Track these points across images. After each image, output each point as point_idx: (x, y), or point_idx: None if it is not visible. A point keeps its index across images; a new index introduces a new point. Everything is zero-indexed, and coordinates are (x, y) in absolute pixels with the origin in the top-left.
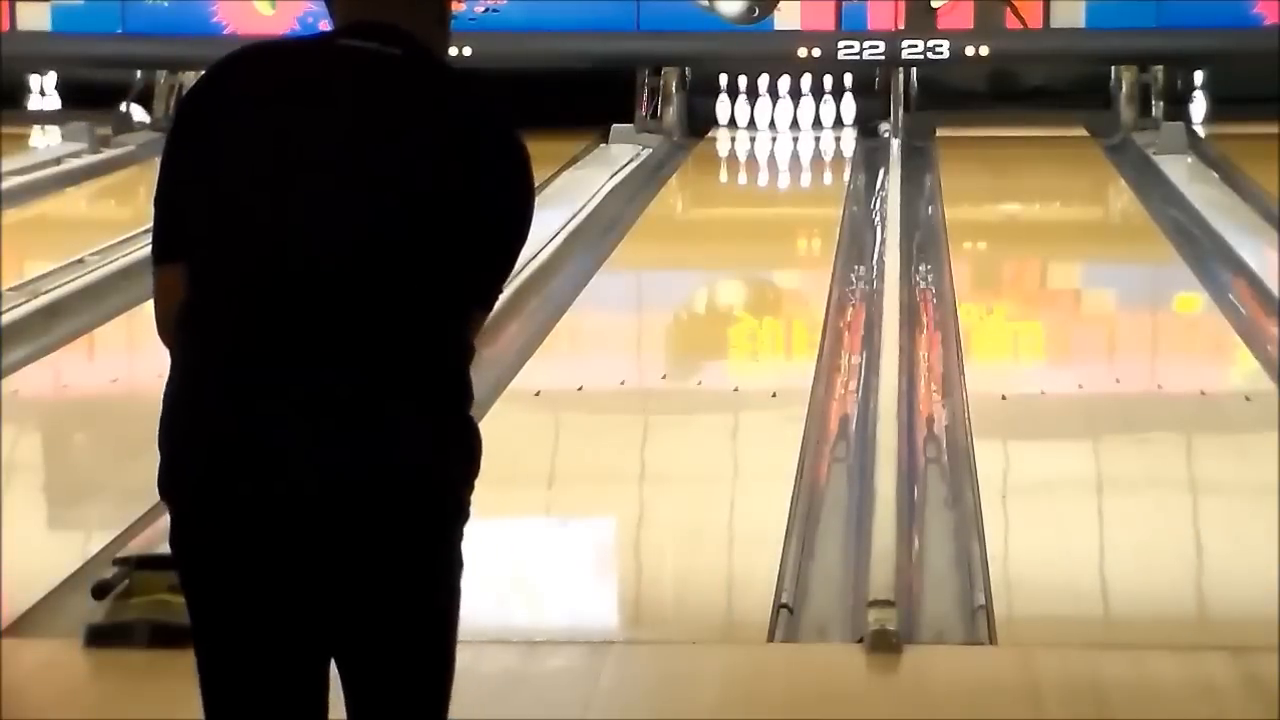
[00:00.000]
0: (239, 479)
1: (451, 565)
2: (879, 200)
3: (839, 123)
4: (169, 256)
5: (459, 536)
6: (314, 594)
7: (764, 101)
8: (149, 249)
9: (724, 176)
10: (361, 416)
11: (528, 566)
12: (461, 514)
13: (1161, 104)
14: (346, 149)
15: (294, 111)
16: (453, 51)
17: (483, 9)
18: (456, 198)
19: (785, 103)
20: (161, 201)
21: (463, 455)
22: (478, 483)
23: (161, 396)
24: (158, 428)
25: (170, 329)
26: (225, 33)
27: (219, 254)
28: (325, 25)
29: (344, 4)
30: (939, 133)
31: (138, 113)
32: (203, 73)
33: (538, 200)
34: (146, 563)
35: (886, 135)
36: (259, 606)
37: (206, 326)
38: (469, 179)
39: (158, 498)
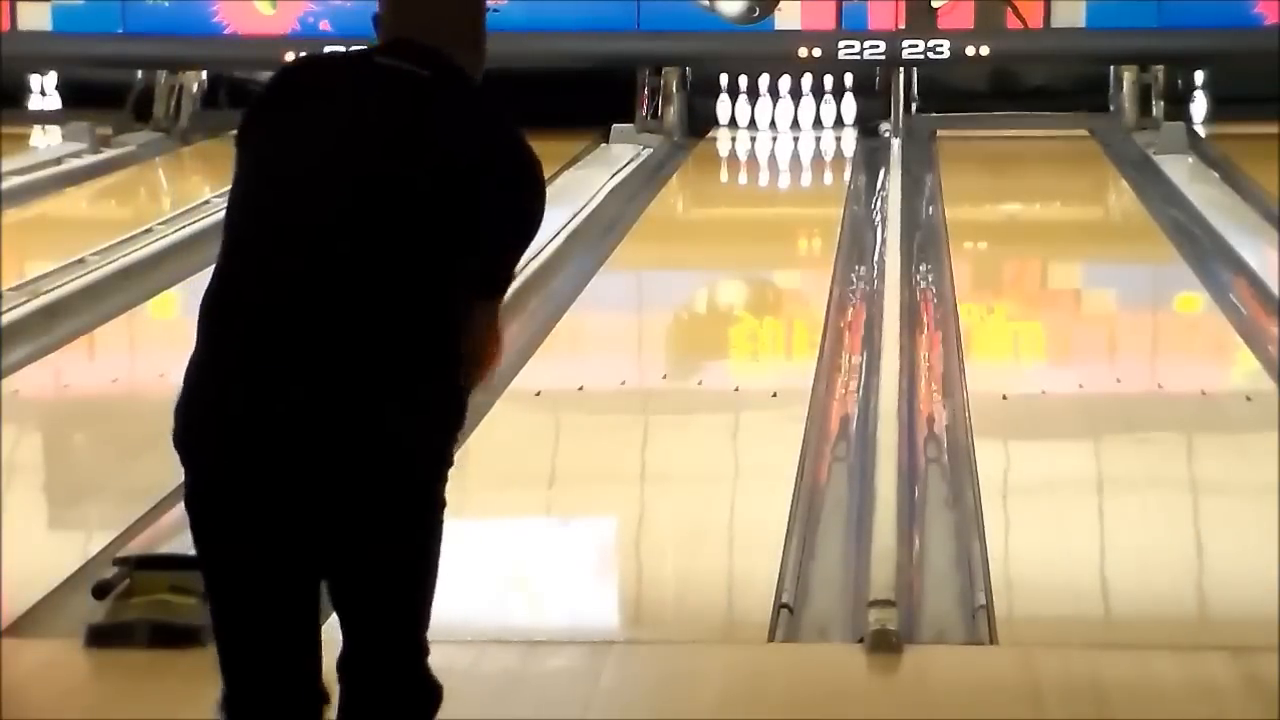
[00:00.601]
0: (250, 447)
1: (431, 505)
2: (879, 200)
3: (839, 123)
4: None
5: (441, 480)
6: (306, 534)
7: (764, 101)
8: (149, 249)
9: (724, 176)
10: (360, 401)
11: (528, 566)
12: (443, 463)
13: (1162, 104)
14: (362, 158)
15: (319, 124)
16: None
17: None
18: (462, 203)
19: (785, 103)
20: None
21: (446, 418)
22: (478, 483)
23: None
24: (178, 397)
25: None
26: (225, 33)
27: (238, 254)
28: (326, 25)
29: (386, 25)
30: (939, 133)
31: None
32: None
33: None
34: (146, 563)
35: (887, 135)
36: (257, 547)
37: (222, 319)
38: (474, 186)
39: (158, 498)
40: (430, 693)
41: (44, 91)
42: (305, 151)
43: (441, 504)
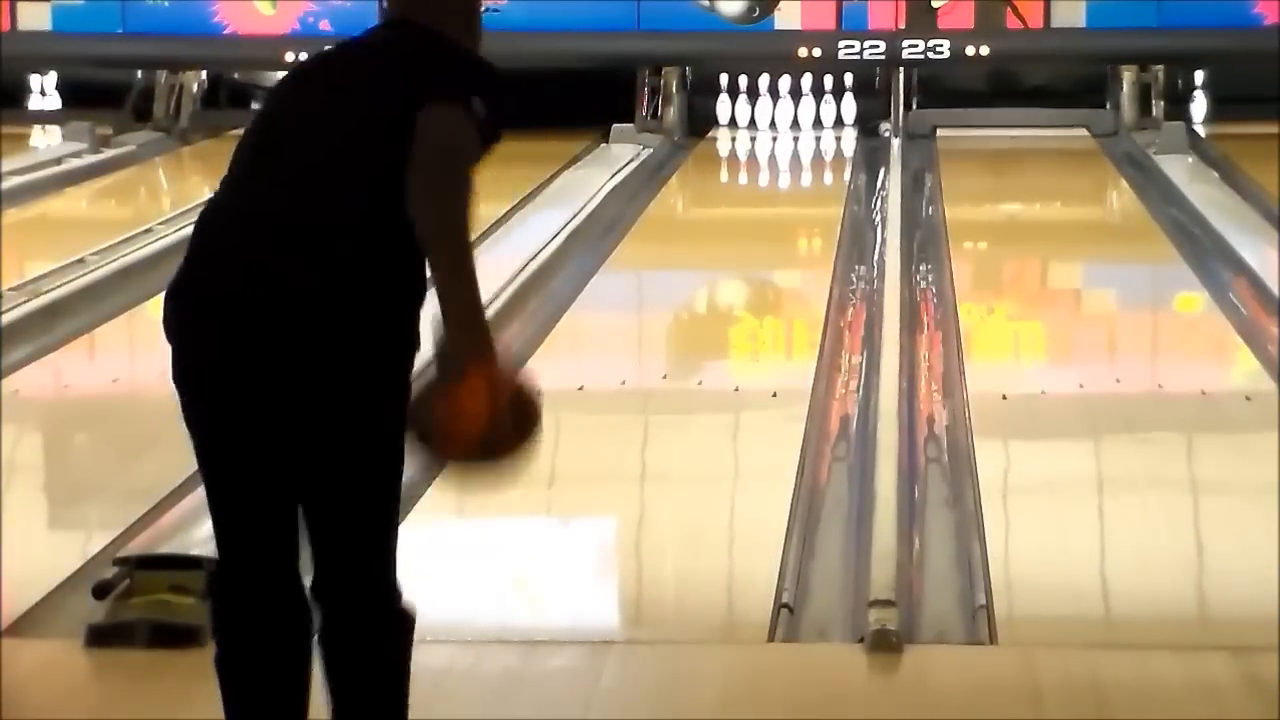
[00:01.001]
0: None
1: (382, 415)
2: (879, 200)
3: (839, 122)
4: None
5: (397, 405)
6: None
7: (764, 101)
8: (149, 249)
9: (724, 176)
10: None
11: (528, 566)
12: (397, 389)
13: (1162, 104)
14: (318, 96)
15: (306, 84)
16: None
17: (483, 9)
18: (392, 106)
19: (785, 102)
20: None
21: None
22: None
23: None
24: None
25: None
26: (225, 33)
27: (231, 173)
28: (326, 25)
29: (387, 7)
30: (939, 133)
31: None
32: None
33: (539, 199)
34: (146, 563)
35: (887, 135)
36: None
37: (217, 218)
38: (399, 91)
39: (158, 498)
40: (400, 618)
41: (44, 91)
42: (288, 107)
43: (400, 434)
